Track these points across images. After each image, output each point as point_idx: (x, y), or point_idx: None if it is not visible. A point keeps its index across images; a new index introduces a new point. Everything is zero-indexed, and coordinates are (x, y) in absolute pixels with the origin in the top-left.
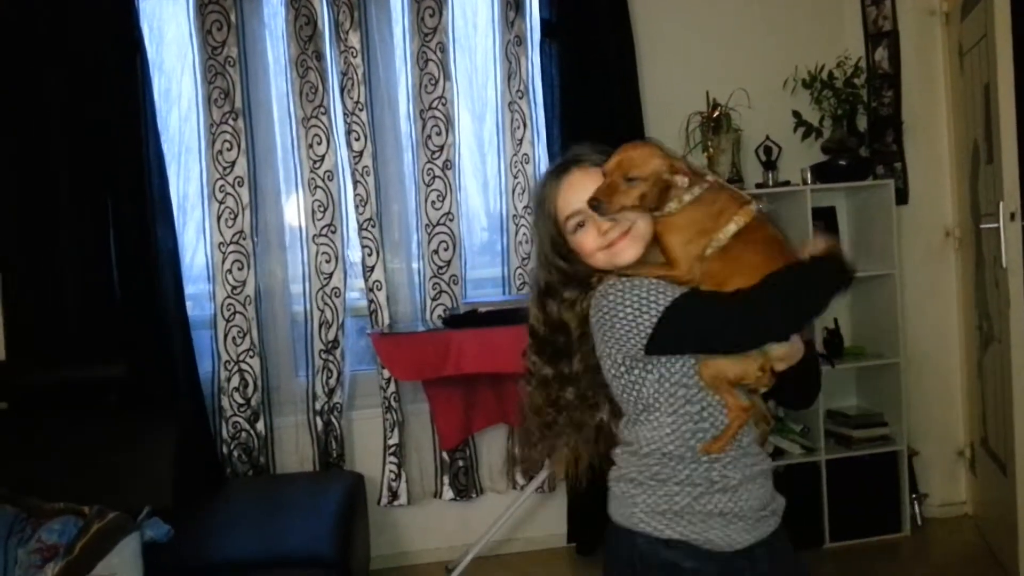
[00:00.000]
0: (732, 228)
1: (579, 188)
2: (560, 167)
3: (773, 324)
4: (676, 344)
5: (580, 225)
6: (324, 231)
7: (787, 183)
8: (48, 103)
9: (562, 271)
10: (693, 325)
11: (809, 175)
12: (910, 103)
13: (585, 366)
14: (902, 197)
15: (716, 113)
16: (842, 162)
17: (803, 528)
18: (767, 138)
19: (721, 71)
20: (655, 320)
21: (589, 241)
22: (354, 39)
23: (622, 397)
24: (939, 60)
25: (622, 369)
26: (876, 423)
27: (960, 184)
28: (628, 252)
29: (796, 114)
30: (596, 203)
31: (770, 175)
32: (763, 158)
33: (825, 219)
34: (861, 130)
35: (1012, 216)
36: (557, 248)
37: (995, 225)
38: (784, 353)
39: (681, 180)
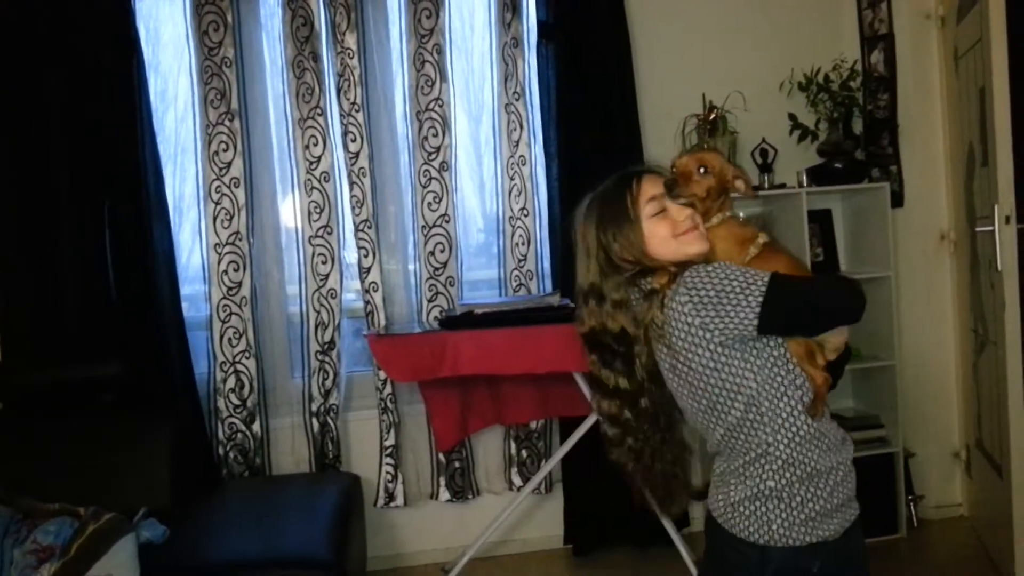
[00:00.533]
0: (761, 240)
1: (657, 183)
2: (636, 172)
3: (846, 308)
4: (785, 318)
5: (658, 213)
6: (320, 232)
7: (783, 186)
8: (45, 104)
9: (628, 269)
10: (794, 301)
11: (805, 178)
12: (906, 106)
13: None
14: (898, 200)
15: (712, 115)
16: (838, 165)
17: None
18: (763, 140)
19: (717, 73)
20: (762, 294)
21: (664, 227)
22: (351, 40)
23: (720, 398)
24: (934, 63)
25: (722, 359)
26: (872, 425)
27: (955, 187)
28: (697, 245)
29: (792, 117)
30: (672, 184)
31: (766, 178)
32: (759, 161)
33: (821, 222)
34: (857, 133)
35: (1007, 219)
36: (625, 247)
37: (990, 228)
38: (840, 342)
39: (740, 185)
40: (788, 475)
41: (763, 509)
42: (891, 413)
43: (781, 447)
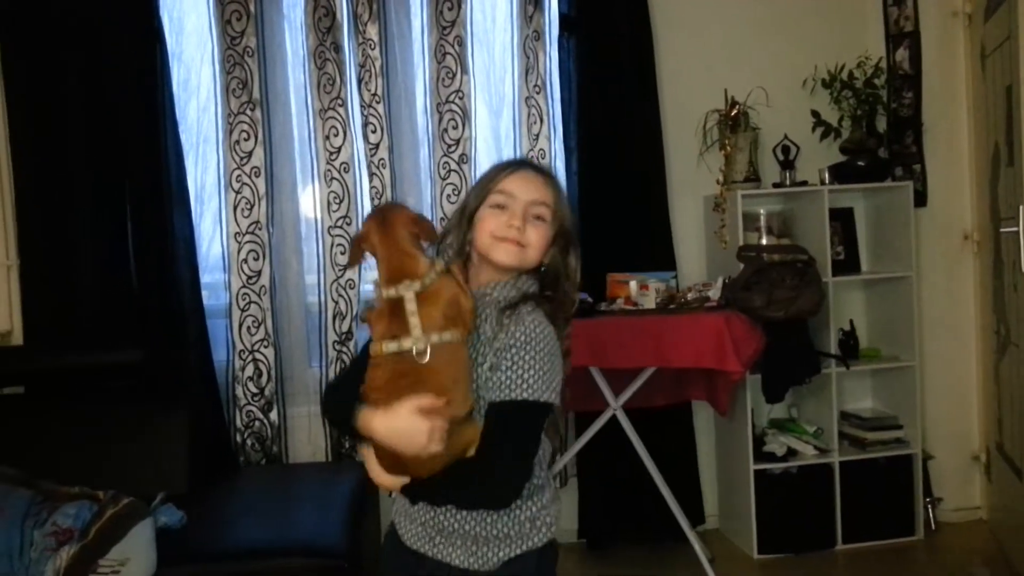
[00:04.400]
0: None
1: (528, 183)
2: (518, 163)
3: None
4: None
5: (499, 207)
6: (339, 223)
7: (805, 183)
8: (69, 91)
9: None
10: (513, 441)
11: (827, 175)
12: (930, 104)
13: None
14: (921, 199)
15: (734, 111)
16: (861, 163)
17: (816, 530)
18: (785, 137)
19: (740, 69)
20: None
21: (494, 223)
22: (372, 31)
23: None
24: (960, 61)
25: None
26: (891, 426)
27: (980, 187)
28: (508, 255)
29: (815, 114)
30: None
31: (787, 175)
32: (781, 157)
33: (843, 220)
34: (880, 131)
35: None
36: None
37: (1015, 229)
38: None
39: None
40: None
41: None
42: (910, 414)
43: None
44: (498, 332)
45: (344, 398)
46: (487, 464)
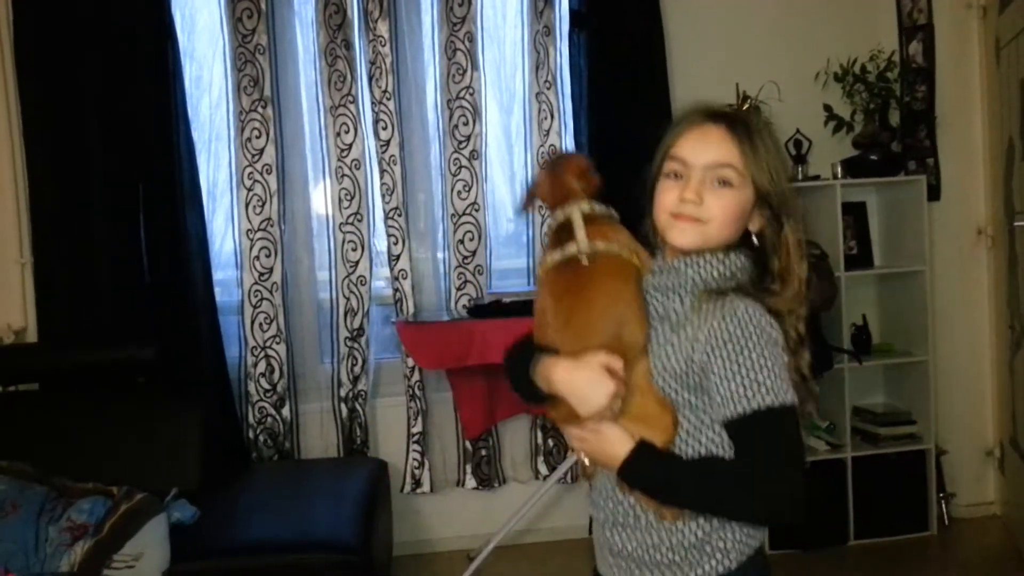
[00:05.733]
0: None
1: (704, 142)
2: (696, 115)
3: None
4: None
5: (674, 175)
6: (351, 219)
7: (817, 177)
8: (82, 88)
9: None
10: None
11: (840, 169)
12: (944, 98)
13: None
14: (934, 193)
15: (746, 106)
16: (873, 157)
17: (828, 525)
18: (797, 131)
19: (751, 63)
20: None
21: (668, 197)
22: (383, 28)
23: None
24: (975, 54)
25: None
26: (904, 421)
27: (994, 181)
28: (684, 236)
29: (827, 108)
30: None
31: (800, 169)
32: (793, 152)
33: (855, 214)
34: (893, 125)
35: None
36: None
37: None
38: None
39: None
40: None
41: None
42: (924, 409)
43: None
44: (692, 317)
45: (514, 360)
46: (741, 481)
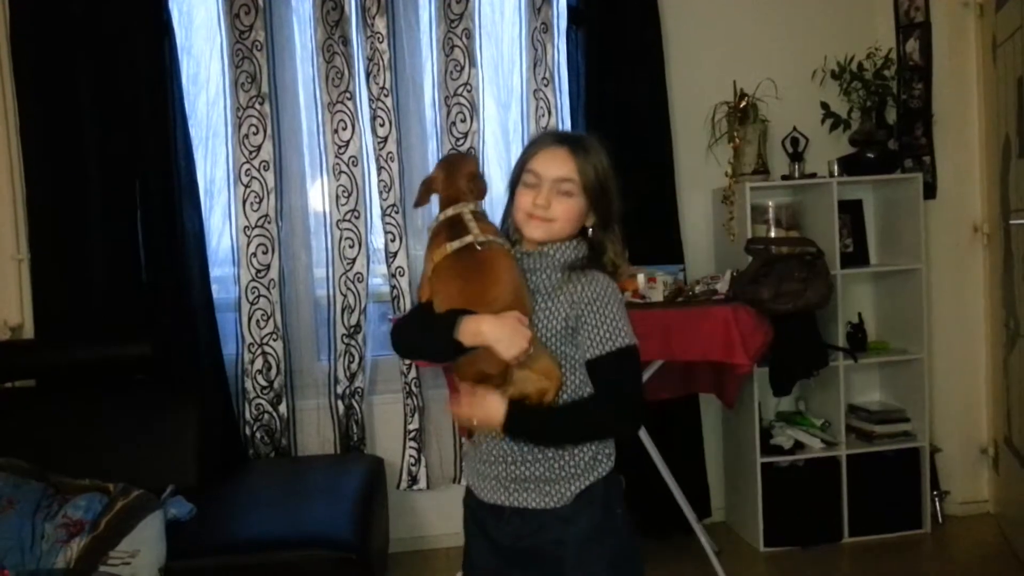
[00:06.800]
0: (433, 263)
1: (552, 160)
2: (544, 139)
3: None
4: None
5: (529, 184)
6: (348, 216)
7: (814, 175)
8: (79, 84)
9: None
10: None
11: (836, 167)
12: (941, 96)
13: None
14: (930, 191)
15: (743, 103)
16: (870, 155)
17: (822, 523)
18: (794, 129)
19: (749, 61)
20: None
21: (524, 201)
22: (380, 24)
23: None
24: (971, 52)
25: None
26: (898, 419)
27: (990, 179)
28: (537, 230)
29: (824, 105)
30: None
31: (797, 167)
32: (790, 149)
33: (852, 212)
34: (890, 123)
35: None
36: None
37: None
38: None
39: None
40: None
41: None
42: (918, 407)
43: None
44: (563, 285)
45: (419, 328)
46: (613, 402)
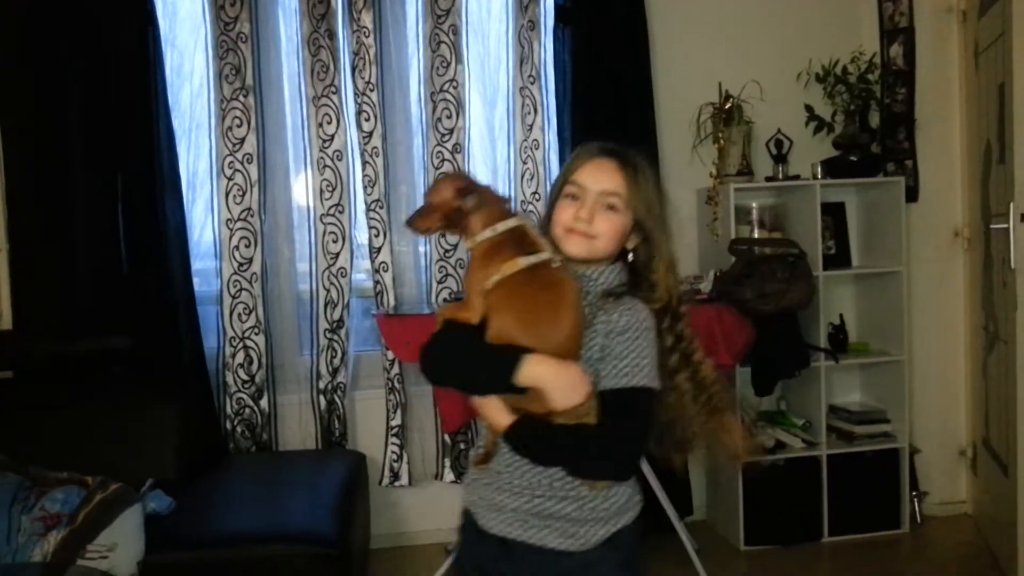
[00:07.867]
0: (495, 277)
1: (599, 172)
2: (593, 150)
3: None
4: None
5: (572, 197)
6: (332, 211)
7: (797, 177)
8: (62, 76)
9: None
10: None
11: (819, 170)
12: (924, 101)
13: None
14: (912, 195)
15: (728, 105)
16: (853, 158)
17: (802, 522)
18: (778, 131)
19: (734, 63)
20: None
21: (565, 214)
22: (367, 19)
23: None
24: (954, 58)
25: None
26: (878, 420)
27: (971, 184)
28: (576, 247)
29: (808, 108)
30: (409, 222)
31: (780, 168)
32: (774, 151)
33: (834, 215)
34: (873, 126)
35: (1022, 217)
36: (550, 202)
37: (1005, 226)
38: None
39: (469, 200)
40: None
41: None
42: (898, 408)
43: None
44: (597, 314)
45: (464, 356)
46: (611, 439)
